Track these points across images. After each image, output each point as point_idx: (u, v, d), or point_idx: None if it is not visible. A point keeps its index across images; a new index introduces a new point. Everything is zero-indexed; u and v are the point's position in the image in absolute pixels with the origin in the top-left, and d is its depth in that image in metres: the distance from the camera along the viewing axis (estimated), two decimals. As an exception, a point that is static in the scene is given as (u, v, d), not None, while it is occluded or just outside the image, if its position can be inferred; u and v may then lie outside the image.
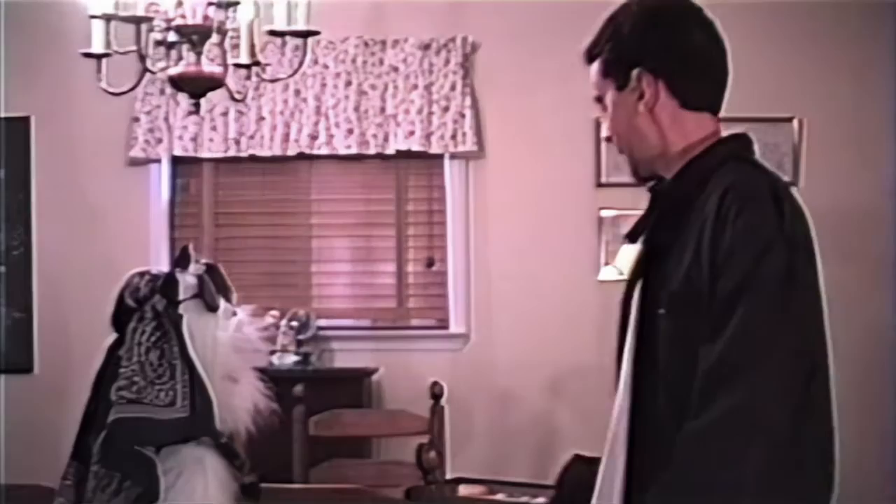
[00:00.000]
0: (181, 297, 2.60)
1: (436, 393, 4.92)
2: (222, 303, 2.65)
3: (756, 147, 2.24)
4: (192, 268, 2.67)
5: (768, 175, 2.14)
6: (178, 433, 2.52)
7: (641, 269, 2.21)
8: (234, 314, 2.66)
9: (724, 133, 2.24)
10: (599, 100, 2.31)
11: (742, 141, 2.25)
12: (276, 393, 2.70)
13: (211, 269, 2.69)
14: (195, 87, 4.26)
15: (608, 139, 2.32)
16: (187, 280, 2.63)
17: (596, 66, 2.28)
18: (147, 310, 2.60)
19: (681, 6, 2.26)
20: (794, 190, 2.17)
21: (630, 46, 2.23)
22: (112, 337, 2.69)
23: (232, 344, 2.62)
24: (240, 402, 2.61)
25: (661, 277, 2.13)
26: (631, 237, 2.26)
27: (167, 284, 2.62)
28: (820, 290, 2.08)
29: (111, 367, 2.61)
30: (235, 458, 2.59)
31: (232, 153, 6.45)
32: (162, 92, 6.31)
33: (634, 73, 2.21)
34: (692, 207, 2.12)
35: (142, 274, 2.69)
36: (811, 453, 2.02)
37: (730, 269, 2.01)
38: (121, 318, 2.64)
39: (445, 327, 6.50)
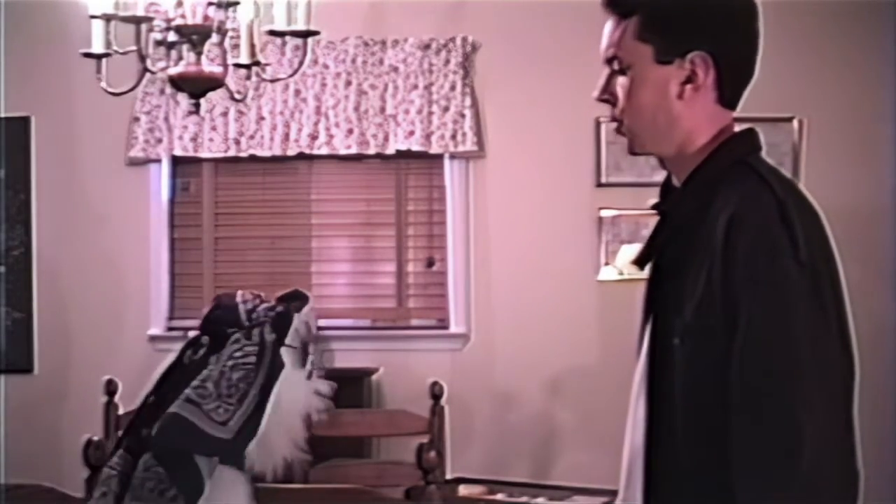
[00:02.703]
0: (288, 340, 2.56)
1: (436, 393, 4.91)
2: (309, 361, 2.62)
3: (762, 141, 2.05)
4: (304, 313, 2.62)
5: (774, 192, 1.92)
6: (216, 450, 2.52)
7: (653, 291, 2.04)
8: (310, 375, 2.64)
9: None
10: (610, 61, 2.04)
11: (747, 142, 2.04)
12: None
13: (311, 317, 2.66)
14: (195, 87, 4.26)
15: (604, 100, 2.06)
16: (300, 327, 2.59)
17: (630, 24, 2.01)
18: (255, 333, 2.57)
19: None
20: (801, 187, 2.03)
21: (696, 21, 1.99)
22: (188, 336, 2.67)
23: (297, 407, 2.60)
24: (275, 447, 2.59)
25: (674, 304, 1.95)
26: (640, 263, 2.06)
27: (280, 321, 2.58)
28: (846, 301, 1.93)
29: (183, 369, 2.60)
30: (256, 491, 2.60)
31: (232, 153, 6.45)
32: (162, 92, 6.31)
33: (693, 52, 1.98)
34: (703, 222, 1.94)
35: (259, 298, 2.64)
36: (842, 478, 1.92)
37: (750, 306, 1.85)
38: (221, 326, 2.61)
39: (445, 327, 6.51)
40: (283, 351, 2.57)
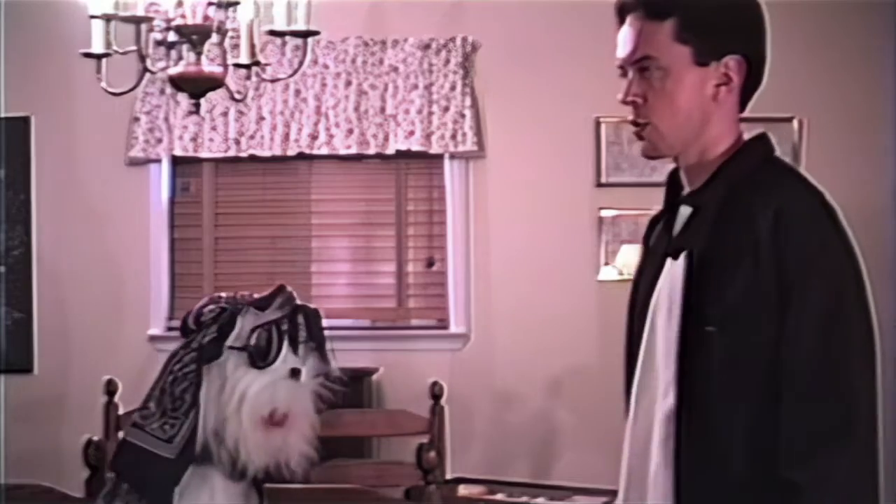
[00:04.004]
0: (230, 342, 2.45)
1: (436, 393, 4.91)
2: (282, 358, 2.51)
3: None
4: (269, 312, 2.49)
5: (813, 187, 2.04)
6: (162, 472, 2.44)
7: (686, 283, 2.03)
8: (296, 373, 2.54)
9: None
10: (639, 62, 2.05)
11: (768, 143, 2.12)
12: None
13: (308, 314, 2.56)
14: (195, 87, 4.26)
15: (631, 103, 2.07)
16: (244, 328, 2.46)
17: (665, 26, 2.03)
18: (196, 340, 2.48)
19: None
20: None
21: (733, 24, 2.04)
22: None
23: (269, 399, 2.53)
24: (270, 445, 2.52)
25: (708, 294, 1.99)
26: (673, 254, 2.07)
27: (226, 322, 2.47)
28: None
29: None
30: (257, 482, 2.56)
31: (232, 153, 6.45)
32: (162, 92, 6.31)
33: (730, 55, 2.02)
34: (736, 215, 2.00)
35: (217, 300, 2.53)
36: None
37: (804, 291, 1.94)
38: (185, 334, 2.55)
39: (445, 327, 6.51)
40: (229, 352, 2.47)
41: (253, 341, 2.44)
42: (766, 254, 1.95)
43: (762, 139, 2.12)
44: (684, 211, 2.10)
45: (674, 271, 2.06)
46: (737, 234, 1.98)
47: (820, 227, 1.98)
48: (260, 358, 2.44)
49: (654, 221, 2.23)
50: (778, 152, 2.12)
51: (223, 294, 2.56)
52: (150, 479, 2.44)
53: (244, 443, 2.44)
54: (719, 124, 2.06)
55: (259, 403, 2.44)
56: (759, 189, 2.01)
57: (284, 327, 2.49)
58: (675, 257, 2.05)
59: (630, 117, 2.10)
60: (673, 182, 2.16)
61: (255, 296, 2.53)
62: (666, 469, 2.02)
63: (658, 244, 2.17)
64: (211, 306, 2.50)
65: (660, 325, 2.08)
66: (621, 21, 2.09)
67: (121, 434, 4.78)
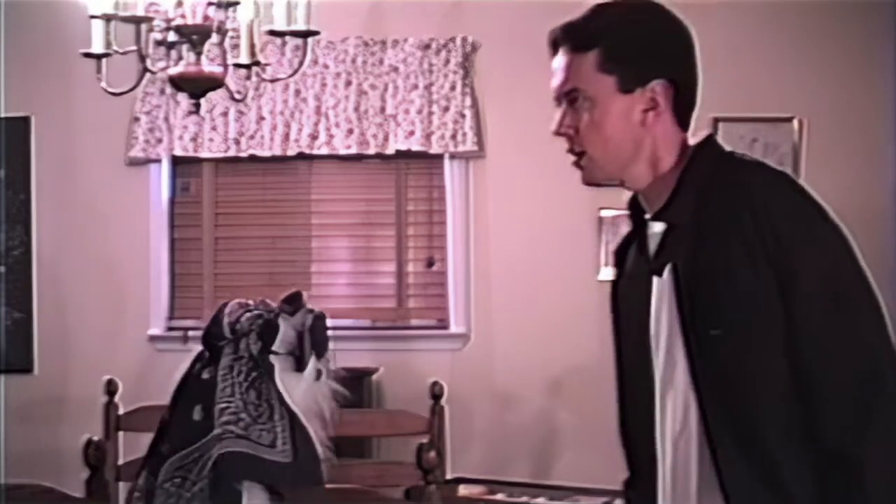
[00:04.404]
0: (276, 347, 2.53)
1: (436, 393, 4.91)
2: (312, 361, 2.59)
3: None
4: (300, 316, 2.60)
5: (779, 172, 2.08)
6: (281, 476, 2.51)
7: (677, 294, 2.05)
8: (319, 376, 2.61)
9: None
10: (567, 95, 2.11)
11: (716, 141, 2.15)
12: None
13: (319, 319, 2.61)
14: (195, 87, 4.27)
15: (564, 135, 2.16)
16: (287, 332, 2.55)
17: (588, 57, 2.08)
18: (242, 348, 2.54)
19: (675, 16, 2.12)
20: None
21: (656, 51, 2.09)
22: (193, 352, 2.66)
23: (307, 407, 2.58)
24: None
25: (702, 299, 2.01)
26: (654, 270, 2.09)
27: (267, 328, 2.55)
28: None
29: (194, 384, 2.58)
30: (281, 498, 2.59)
31: (232, 153, 6.45)
32: (162, 92, 6.31)
33: (655, 81, 2.07)
34: (712, 223, 2.02)
35: (246, 307, 2.60)
36: None
37: (803, 267, 1.98)
38: (212, 340, 2.59)
39: (445, 327, 6.51)
40: (274, 358, 2.54)
41: (299, 348, 2.52)
42: (759, 244, 1.97)
43: (710, 139, 2.15)
44: (656, 228, 2.13)
45: (662, 288, 2.08)
46: (721, 238, 2.00)
47: (798, 208, 2.01)
48: (304, 361, 2.52)
49: (624, 246, 2.26)
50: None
51: (248, 301, 2.61)
52: (262, 479, 2.49)
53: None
54: (654, 146, 2.10)
55: (307, 406, 2.51)
56: (728, 190, 2.03)
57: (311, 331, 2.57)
58: (660, 274, 2.08)
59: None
60: (634, 205, 2.20)
61: (271, 302, 2.60)
62: (710, 484, 2.02)
63: (636, 267, 2.19)
64: (245, 314, 2.55)
65: (663, 345, 2.09)
66: (554, 52, 2.16)
67: (121, 434, 4.80)
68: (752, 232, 1.98)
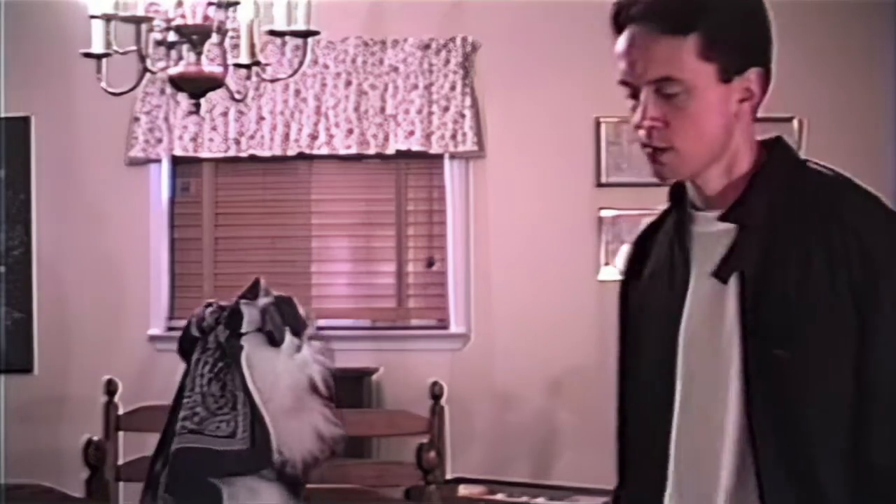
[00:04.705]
0: (244, 329, 2.58)
1: (436, 393, 4.91)
2: (288, 337, 2.64)
3: None
4: (261, 300, 2.65)
5: (862, 188, 1.99)
6: (239, 465, 2.53)
7: (741, 305, 1.89)
8: (299, 349, 2.66)
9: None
10: (656, 81, 1.85)
11: (788, 146, 2.01)
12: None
13: (285, 301, 2.68)
14: (195, 87, 4.26)
15: (645, 129, 1.87)
16: (252, 313, 2.61)
17: (687, 42, 1.84)
18: (210, 340, 2.59)
19: None
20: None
21: (751, 34, 1.91)
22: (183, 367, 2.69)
23: (294, 380, 2.62)
24: (300, 431, 2.61)
25: (770, 315, 1.86)
26: (722, 276, 1.90)
27: (232, 316, 2.60)
28: None
29: (178, 395, 2.62)
30: (299, 486, 2.61)
31: (232, 153, 6.45)
32: (162, 92, 6.31)
33: (753, 69, 1.89)
34: (788, 233, 1.88)
35: (210, 304, 2.67)
36: None
37: (886, 302, 1.83)
38: (186, 347, 2.64)
39: (445, 327, 6.51)
40: (245, 339, 2.58)
41: (265, 324, 2.57)
42: (840, 272, 1.84)
43: (780, 143, 1.99)
44: (711, 227, 1.94)
45: (713, 295, 1.92)
46: (800, 256, 1.87)
47: (891, 235, 1.90)
48: (279, 335, 2.56)
49: (644, 237, 2.09)
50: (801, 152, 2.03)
51: (211, 300, 2.67)
52: (217, 473, 2.50)
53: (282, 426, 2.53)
54: (738, 140, 1.92)
55: (293, 379, 2.55)
56: (813, 203, 1.91)
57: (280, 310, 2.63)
58: (725, 280, 1.90)
59: (641, 134, 1.90)
60: (677, 196, 2.01)
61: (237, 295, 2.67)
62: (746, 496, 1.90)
63: (665, 265, 2.01)
64: (207, 309, 2.60)
65: (706, 349, 1.93)
66: (619, 30, 1.90)
67: (121, 434, 4.80)
68: (840, 256, 1.84)
